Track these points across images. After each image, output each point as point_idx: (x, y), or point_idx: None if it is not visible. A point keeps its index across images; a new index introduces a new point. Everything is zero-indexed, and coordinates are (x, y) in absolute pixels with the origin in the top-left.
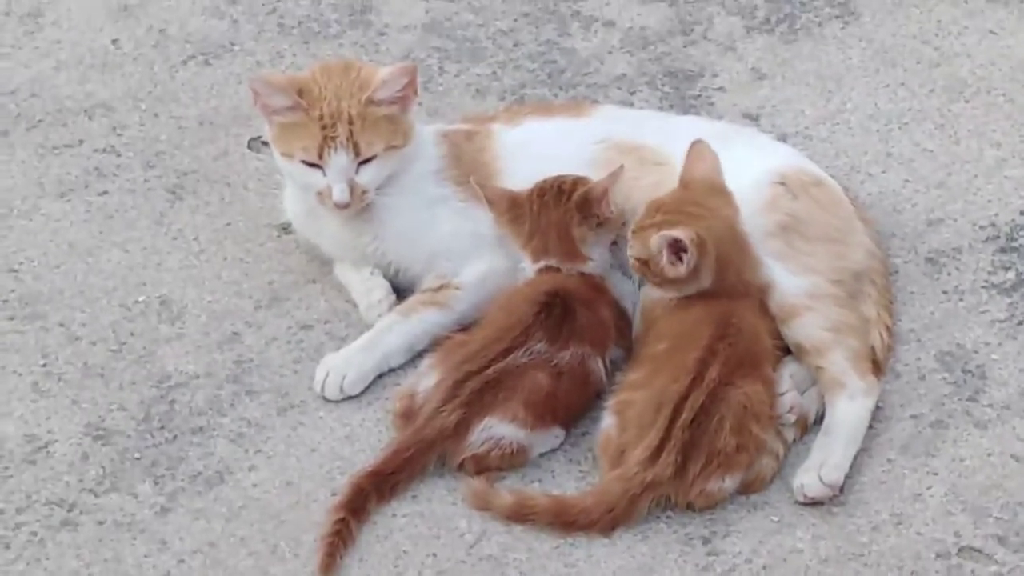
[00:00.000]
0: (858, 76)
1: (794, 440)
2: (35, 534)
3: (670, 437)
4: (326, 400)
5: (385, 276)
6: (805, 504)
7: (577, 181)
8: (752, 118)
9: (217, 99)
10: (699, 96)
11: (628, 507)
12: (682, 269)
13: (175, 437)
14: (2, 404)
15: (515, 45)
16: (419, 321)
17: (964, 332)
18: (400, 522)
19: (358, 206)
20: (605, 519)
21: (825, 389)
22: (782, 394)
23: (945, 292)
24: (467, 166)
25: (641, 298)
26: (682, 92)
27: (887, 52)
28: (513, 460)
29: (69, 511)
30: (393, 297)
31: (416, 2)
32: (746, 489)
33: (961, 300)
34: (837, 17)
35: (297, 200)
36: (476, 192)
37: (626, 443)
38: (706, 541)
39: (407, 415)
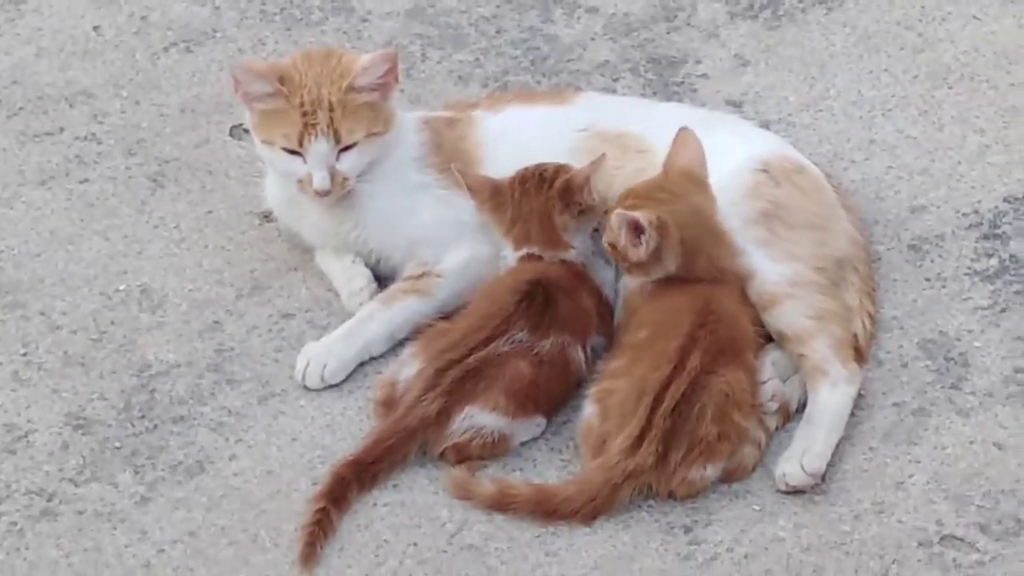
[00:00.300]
0: (841, 62)
1: (776, 428)
2: (15, 524)
3: (651, 426)
4: (307, 389)
5: (366, 264)
6: (787, 493)
7: (559, 169)
8: (735, 105)
9: (199, 86)
10: (682, 83)
11: (609, 496)
12: (642, 251)
13: (155, 426)
14: None
15: (498, 32)
16: (400, 309)
17: (947, 319)
18: (381, 511)
19: (339, 194)
20: (586, 508)
21: (807, 377)
22: (764, 382)
23: (928, 279)
24: (448, 153)
25: (622, 287)
26: (665, 79)
27: (871, 38)
28: (494, 449)
29: (49, 501)
30: (374, 285)
31: None
32: (728, 478)
33: (944, 287)
34: (821, 3)
35: (278, 188)
36: (457, 179)
37: (607, 432)
38: (688, 530)
39: (388, 404)
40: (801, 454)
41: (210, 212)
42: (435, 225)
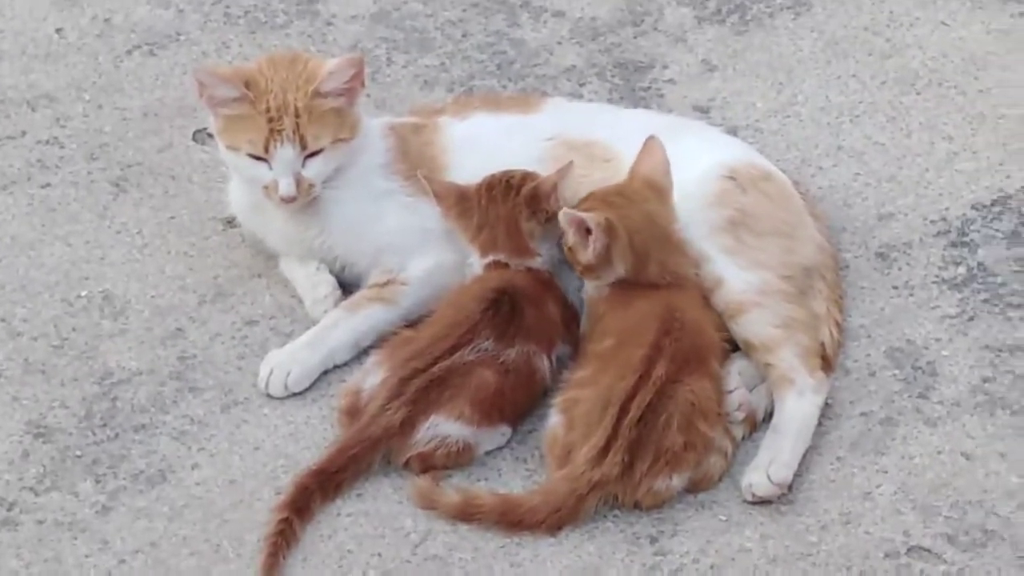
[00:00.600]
0: (809, 68)
1: (743, 438)
2: None
3: (617, 436)
4: (270, 397)
5: (331, 271)
6: (753, 503)
7: (526, 176)
8: (703, 110)
9: (162, 90)
10: (649, 88)
11: (575, 506)
12: (591, 252)
13: (117, 435)
14: None
15: (464, 36)
16: (365, 317)
17: (914, 328)
18: (345, 521)
19: (304, 200)
20: (552, 518)
21: (774, 386)
22: (730, 391)
23: (896, 287)
24: (414, 160)
25: (585, 295)
26: (632, 84)
27: (838, 43)
28: (459, 458)
29: (9, 510)
30: (339, 292)
31: None
32: (694, 488)
33: (912, 295)
34: (788, 8)
35: (242, 193)
36: (424, 186)
37: (573, 442)
38: (653, 540)
39: (352, 412)
40: (768, 464)
41: (173, 218)
42: (400, 232)
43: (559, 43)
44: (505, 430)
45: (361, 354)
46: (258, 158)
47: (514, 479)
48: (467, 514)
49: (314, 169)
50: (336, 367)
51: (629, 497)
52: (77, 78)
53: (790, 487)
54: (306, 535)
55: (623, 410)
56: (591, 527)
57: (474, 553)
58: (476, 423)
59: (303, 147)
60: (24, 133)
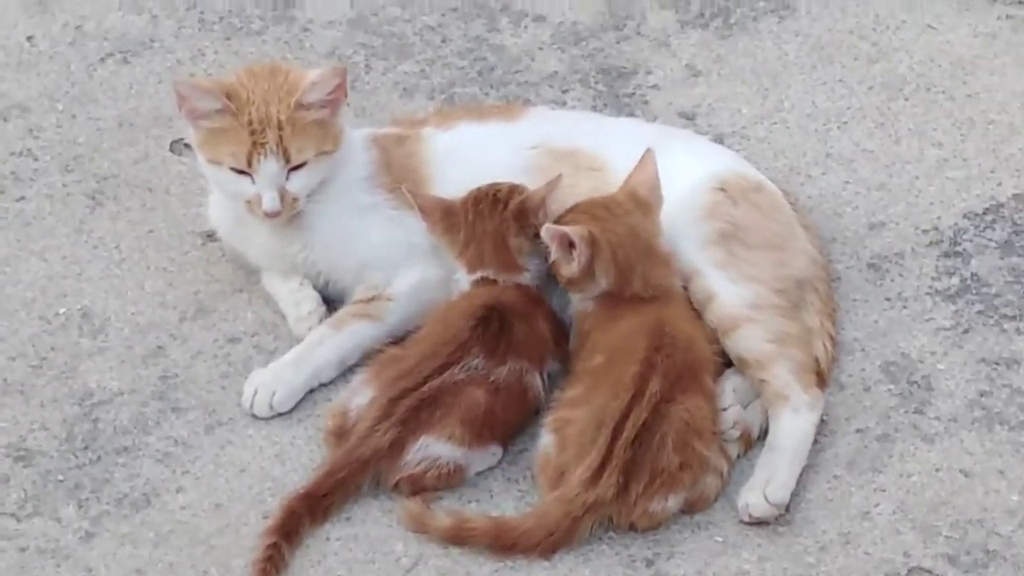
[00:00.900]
0: (795, 73)
1: (738, 456)
2: None
3: (611, 456)
4: (255, 417)
5: (315, 286)
6: (750, 524)
7: (513, 189)
8: (688, 117)
9: (136, 99)
10: (633, 94)
11: (569, 529)
12: (575, 266)
13: (99, 458)
14: None
15: (443, 41)
16: (351, 334)
17: (909, 341)
18: (334, 546)
19: (288, 215)
20: (546, 542)
21: (769, 403)
22: (725, 409)
23: (888, 299)
24: (398, 172)
25: (572, 310)
26: (616, 90)
27: (824, 48)
28: (450, 480)
29: None
30: (323, 309)
31: None
32: (690, 508)
33: (905, 307)
34: (772, 11)
35: (223, 208)
36: (408, 200)
37: (566, 463)
38: (649, 563)
39: (340, 433)
40: (764, 484)
41: (151, 231)
42: (385, 247)
43: (540, 49)
44: (496, 450)
45: (347, 372)
46: (241, 172)
47: (506, 500)
48: (459, 538)
49: (298, 183)
50: (321, 385)
51: (624, 519)
52: (49, 87)
53: (787, 507)
54: (295, 561)
55: (617, 430)
56: (586, 550)
57: None
58: (467, 444)
59: (287, 160)
60: None
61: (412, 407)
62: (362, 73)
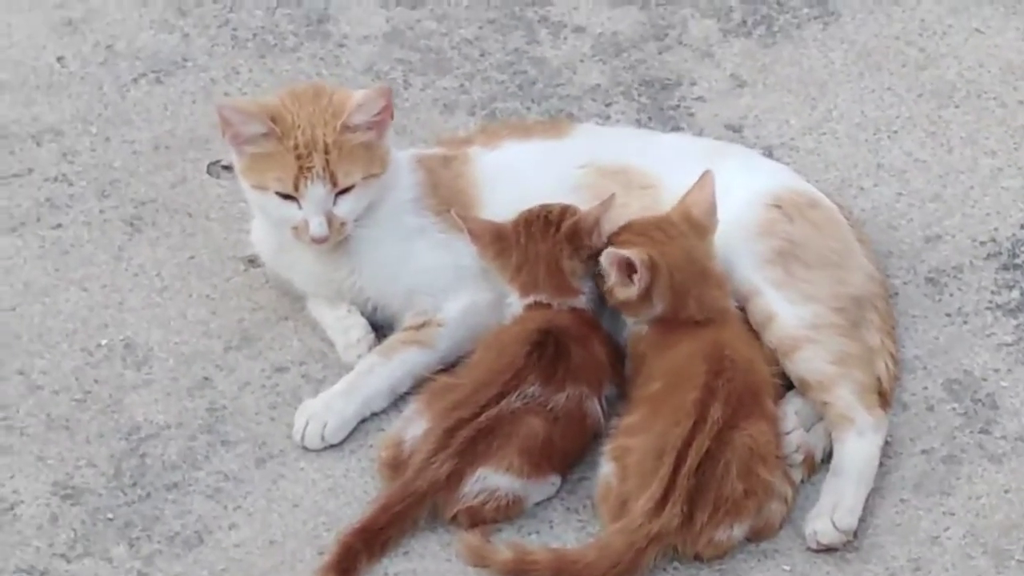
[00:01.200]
0: (842, 81)
1: (801, 481)
2: None
3: (675, 486)
4: (306, 449)
5: (362, 312)
6: (818, 551)
7: (564, 210)
8: (735, 129)
9: (172, 120)
10: (678, 107)
11: (633, 561)
12: (634, 291)
13: (148, 494)
14: None
15: (482, 55)
16: (401, 362)
17: (971, 358)
18: None
19: (336, 239)
20: (609, 574)
21: (832, 426)
22: (788, 433)
23: (948, 315)
24: (445, 194)
25: (627, 334)
26: (660, 102)
27: (870, 55)
28: (509, 511)
29: None
30: (372, 336)
31: (376, 10)
32: (755, 536)
33: (966, 323)
34: (816, 18)
35: (266, 233)
36: (458, 224)
37: (628, 493)
38: None
39: (395, 465)
40: (831, 510)
41: (192, 258)
42: (434, 271)
43: (581, 61)
44: (555, 479)
45: (398, 400)
46: (287, 197)
47: (566, 531)
48: (520, 571)
49: (346, 207)
50: (373, 415)
51: (689, 549)
52: (82, 110)
53: (855, 533)
54: None
55: (680, 458)
56: None
57: None
58: (526, 474)
59: (334, 184)
60: (31, 170)
61: (469, 438)
62: (401, 89)
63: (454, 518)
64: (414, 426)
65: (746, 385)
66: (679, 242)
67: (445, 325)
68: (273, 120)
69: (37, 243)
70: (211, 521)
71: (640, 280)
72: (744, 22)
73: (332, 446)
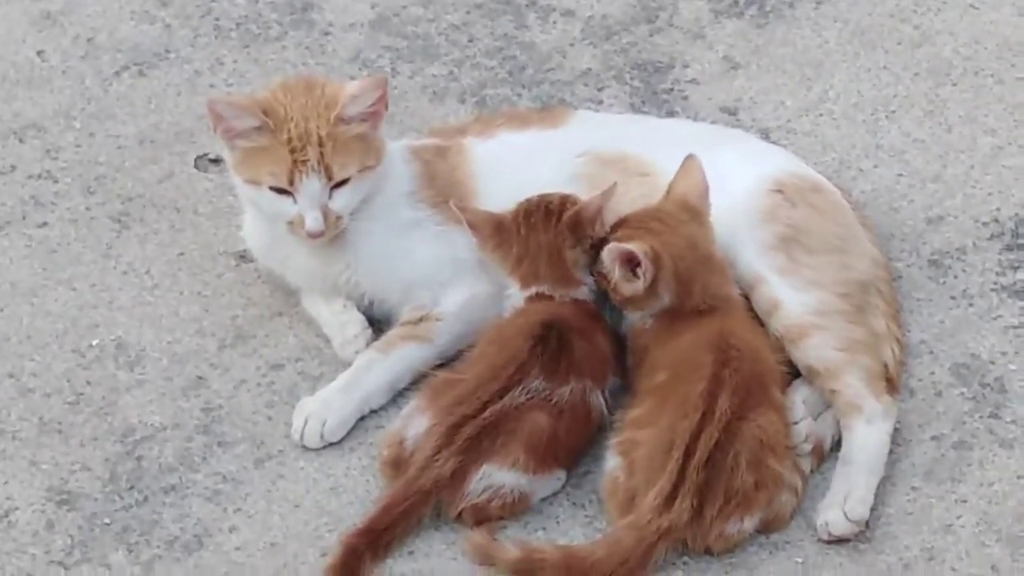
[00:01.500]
0: (837, 61)
1: (811, 470)
2: None
3: (684, 480)
4: (305, 448)
5: (358, 307)
6: (829, 542)
7: (565, 200)
8: (730, 112)
9: (156, 114)
10: (671, 90)
11: (643, 556)
12: (639, 285)
13: (146, 498)
14: None
15: (470, 41)
16: (400, 358)
17: (977, 341)
18: None
19: (332, 234)
20: (619, 571)
21: (840, 413)
22: (796, 423)
23: (953, 297)
24: (441, 186)
25: (627, 327)
26: (653, 86)
27: (865, 33)
28: (514, 508)
29: None
30: (369, 331)
31: None
32: (766, 529)
33: (971, 305)
34: None
35: (258, 228)
36: (457, 216)
37: (636, 487)
38: None
39: (397, 463)
40: (842, 500)
41: (182, 254)
42: (431, 264)
43: (571, 45)
44: (561, 474)
45: (397, 397)
46: (281, 191)
47: (573, 527)
48: (528, 569)
49: (341, 200)
50: (372, 411)
51: (699, 543)
52: (65, 104)
53: (867, 523)
54: None
55: (688, 452)
56: None
57: None
58: (531, 470)
59: (329, 178)
60: (14, 168)
61: (473, 435)
62: (388, 77)
63: (459, 516)
64: (415, 423)
65: (753, 375)
66: (680, 231)
67: (443, 319)
68: (265, 113)
69: (23, 242)
70: (211, 524)
71: (645, 273)
72: (736, 2)
73: (332, 444)
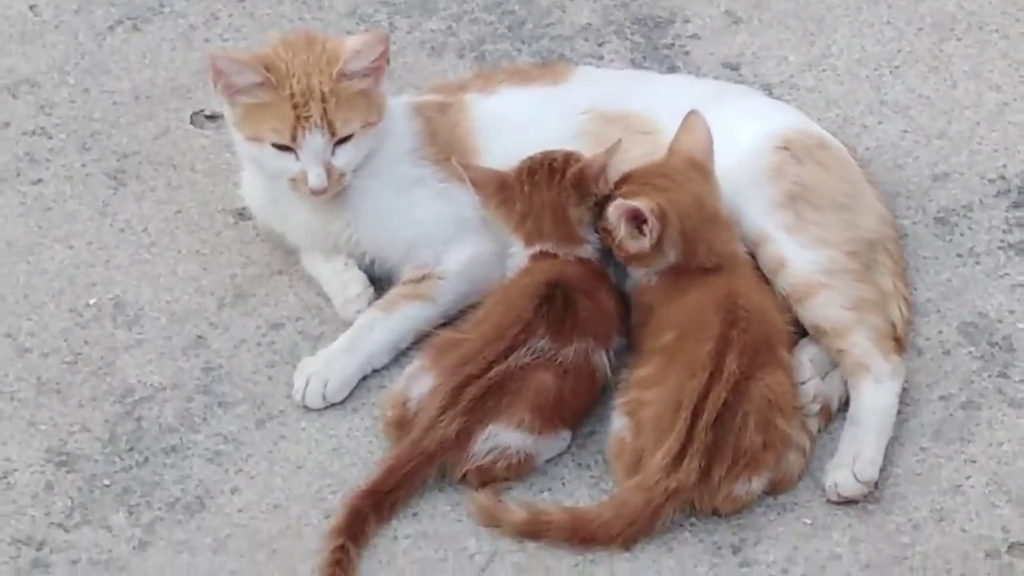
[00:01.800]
0: (840, 15)
1: (819, 430)
2: None
3: (692, 440)
4: (307, 409)
5: (360, 266)
6: (838, 503)
7: (568, 157)
8: (732, 67)
9: (151, 69)
10: (672, 45)
11: (650, 518)
12: (645, 242)
13: (146, 459)
14: None
15: None
16: (403, 317)
17: (985, 299)
18: (403, 544)
19: (335, 191)
20: (626, 532)
21: (848, 373)
22: (803, 382)
23: (960, 255)
24: (443, 142)
25: (631, 285)
26: (654, 41)
27: None
28: (520, 469)
29: (39, 550)
30: (371, 290)
31: None
32: (774, 489)
33: (978, 263)
34: None
35: (257, 186)
36: (459, 173)
37: (643, 448)
38: (736, 550)
39: (400, 424)
40: (851, 461)
41: (179, 212)
42: (434, 222)
43: None
44: (565, 435)
45: (399, 356)
46: (283, 148)
47: (579, 488)
48: (535, 531)
49: (344, 157)
50: (374, 371)
51: (707, 504)
52: (58, 60)
53: (876, 484)
54: (363, 562)
55: (696, 412)
56: (668, 539)
57: (545, 574)
58: (537, 430)
59: (332, 134)
60: (7, 124)
61: (478, 395)
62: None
63: (464, 478)
64: (419, 383)
65: (761, 335)
66: (686, 187)
67: (446, 278)
68: (267, 69)
69: (18, 199)
70: (212, 485)
71: (651, 230)
72: None
73: (334, 405)
